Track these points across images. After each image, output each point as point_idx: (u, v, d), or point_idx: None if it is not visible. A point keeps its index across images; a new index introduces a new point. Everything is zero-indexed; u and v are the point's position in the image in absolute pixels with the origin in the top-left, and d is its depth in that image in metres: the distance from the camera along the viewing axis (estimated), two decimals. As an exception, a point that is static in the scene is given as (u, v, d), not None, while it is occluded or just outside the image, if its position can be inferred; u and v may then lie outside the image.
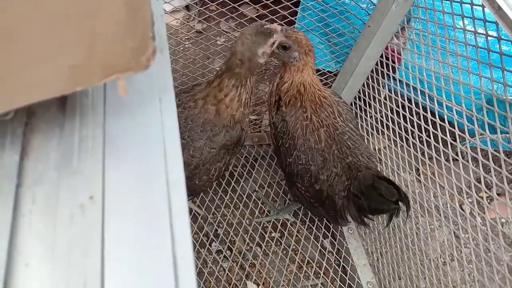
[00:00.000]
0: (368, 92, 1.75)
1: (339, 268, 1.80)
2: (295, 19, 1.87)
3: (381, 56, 1.64)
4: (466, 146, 1.28)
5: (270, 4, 1.66)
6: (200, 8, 1.83)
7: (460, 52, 1.29)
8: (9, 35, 0.38)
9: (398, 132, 1.57)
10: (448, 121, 1.34)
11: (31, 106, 0.49)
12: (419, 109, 1.47)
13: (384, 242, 1.71)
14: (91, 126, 0.49)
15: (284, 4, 1.68)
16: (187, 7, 2.62)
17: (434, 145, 1.37)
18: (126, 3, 0.41)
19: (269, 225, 1.94)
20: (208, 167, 1.37)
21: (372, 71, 1.71)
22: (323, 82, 2.06)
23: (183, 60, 1.90)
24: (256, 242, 1.85)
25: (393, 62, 1.60)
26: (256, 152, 2.11)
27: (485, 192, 1.17)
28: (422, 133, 1.43)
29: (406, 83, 1.55)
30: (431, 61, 1.40)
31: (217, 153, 1.36)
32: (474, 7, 1.20)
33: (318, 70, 2.05)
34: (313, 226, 1.88)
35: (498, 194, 2.06)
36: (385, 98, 1.67)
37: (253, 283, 1.75)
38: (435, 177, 1.40)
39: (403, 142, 1.55)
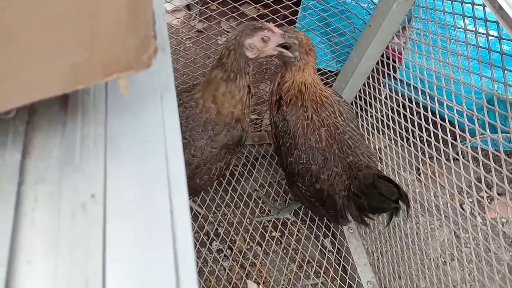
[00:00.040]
0: (368, 91, 1.75)
1: (339, 267, 1.80)
2: (296, 18, 1.87)
3: (382, 56, 1.64)
4: (467, 146, 1.29)
5: (271, 4, 1.66)
6: (201, 8, 1.83)
7: (461, 51, 1.29)
8: (10, 34, 0.38)
9: (399, 132, 1.57)
10: (449, 121, 1.34)
11: (33, 105, 0.49)
12: (419, 108, 1.47)
13: (385, 241, 1.71)
14: (93, 124, 0.50)
15: (285, 4, 1.68)
16: (188, 7, 2.62)
17: (434, 144, 1.37)
18: (128, 2, 0.41)
19: (269, 224, 1.94)
20: (209, 166, 1.37)
21: (373, 71, 1.71)
22: (324, 82, 2.06)
23: (184, 59, 1.90)
24: (257, 241, 1.85)
25: (394, 61, 1.60)
26: (257, 151, 2.11)
27: (486, 191, 1.17)
28: (422, 133, 1.43)
29: (406, 82, 1.55)
30: (432, 61, 1.40)
31: (218, 152, 1.36)
32: (475, 6, 1.20)
33: (319, 70, 2.05)
34: (314, 226, 1.88)
35: (498, 194, 2.06)
36: (385, 98, 1.67)
37: (254, 282, 1.75)
38: (435, 177, 1.40)
39: (403, 141, 1.55)
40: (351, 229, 1.87)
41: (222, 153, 1.37)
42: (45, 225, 0.42)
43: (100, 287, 0.39)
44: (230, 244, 1.84)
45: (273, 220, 1.94)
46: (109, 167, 0.47)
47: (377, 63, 1.67)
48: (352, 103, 1.88)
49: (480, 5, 1.12)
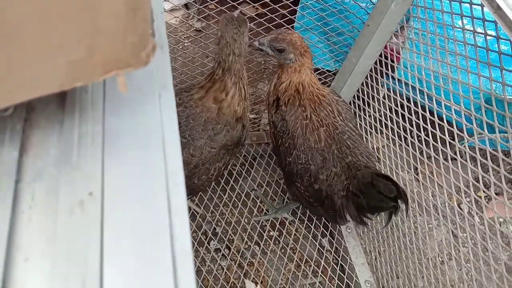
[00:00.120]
0: (367, 91, 1.76)
1: (337, 266, 1.80)
2: (295, 17, 1.87)
3: (380, 55, 1.64)
4: (465, 146, 1.29)
5: (270, 3, 1.66)
6: (200, 7, 1.83)
7: (459, 51, 1.29)
8: (9, 31, 0.38)
9: (397, 131, 1.57)
10: (447, 120, 1.34)
11: (31, 102, 0.49)
12: (418, 108, 1.48)
13: (382, 241, 1.71)
14: (91, 122, 0.49)
15: (283, 3, 1.68)
16: (186, 6, 2.61)
17: (432, 144, 1.37)
18: (125, 0, 0.41)
19: (267, 223, 1.94)
20: (208, 166, 1.37)
21: (371, 70, 1.71)
22: (322, 81, 2.06)
23: (182, 58, 1.90)
24: (255, 241, 1.85)
25: (392, 61, 1.61)
26: (255, 151, 2.11)
27: (483, 191, 1.18)
28: (420, 132, 1.43)
29: (405, 82, 1.55)
30: (430, 60, 1.40)
31: (217, 153, 1.36)
32: (473, 6, 1.20)
33: (317, 69, 2.05)
34: (312, 225, 1.89)
35: (496, 194, 2.07)
36: (384, 97, 1.67)
37: (251, 281, 1.75)
38: (433, 176, 1.40)
39: (401, 141, 1.55)
40: (349, 229, 1.88)
41: (221, 153, 1.37)
42: (43, 223, 0.41)
43: (97, 285, 0.38)
44: (228, 243, 1.84)
45: (271, 220, 1.94)
46: (106, 165, 0.47)
47: (376, 63, 1.67)
48: (350, 103, 1.88)
49: (478, 5, 1.12)
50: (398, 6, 1.41)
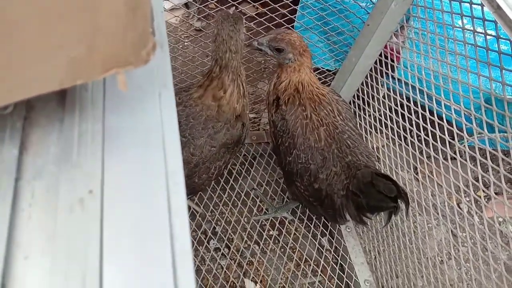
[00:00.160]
0: (367, 90, 1.76)
1: (336, 266, 1.80)
2: (295, 17, 1.87)
3: (380, 55, 1.64)
4: (464, 145, 1.29)
5: (270, 2, 1.66)
6: (200, 6, 1.83)
7: (459, 51, 1.29)
8: (9, 29, 0.38)
9: (397, 131, 1.58)
10: (447, 120, 1.34)
11: (31, 100, 0.49)
12: (417, 107, 1.48)
13: (382, 240, 1.71)
14: (91, 121, 0.49)
15: (283, 3, 1.68)
16: (187, 5, 2.61)
17: (432, 143, 1.37)
18: (126, 0, 0.41)
19: (267, 223, 1.94)
20: (208, 165, 1.37)
21: (371, 70, 1.71)
22: (322, 81, 2.06)
23: (182, 57, 1.90)
24: (254, 240, 1.85)
25: (392, 61, 1.61)
26: (255, 150, 2.12)
27: (483, 190, 1.18)
28: (420, 132, 1.43)
29: (405, 82, 1.55)
30: (430, 60, 1.40)
31: (218, 151, 1.36)
32: (473, 6, 1.20)
33: (317, 69, 2.06)
34: (311, 224, 1.89)
35: (496, 193, 2.07)
36: (384, 97, 1.67)
37: (251, 280, 1.75)
38: (433, 176, 1.40)
39: (401, 140, 1.55)
40: (348, 228, 1.88)
41: (221, 152, 1.38)
42: (42, 221, 0.41)
43: (97, 283, 0.38)
44: (227, 242, 1.84)
45: (271, 219, 1.94)
46: (106, 164, 0.47)
47: (376, 62, 1.67)
48: (350, 102, 1.88)
49: (478, 4, 1.12)
50: (398, 6, 1.41)
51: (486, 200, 2.09)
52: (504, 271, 1.10)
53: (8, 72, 0.40)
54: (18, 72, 0.40)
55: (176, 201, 0.45)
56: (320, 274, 1.77)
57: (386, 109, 1.64)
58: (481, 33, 1.18)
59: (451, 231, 1.35)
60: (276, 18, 1.74)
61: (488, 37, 1.16)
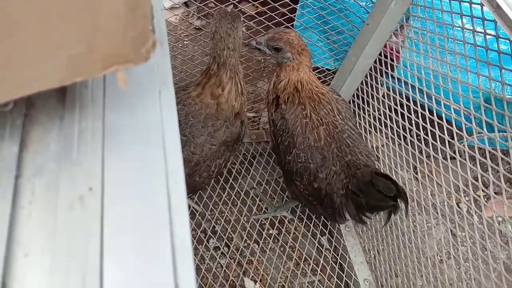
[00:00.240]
0: (366, 90, 1.76)
1: (336, 265, 1.80)
2: (294, 16, 1.87)
3: (380, 54, 1.64)
4: (464, 145, 1.29)
5: (269, 1, 1.65)
6: (199, 5, 1.83)
7: (459, 50, 1.29)
8: (9, 26, 0.38)
9: (396, 130, 1.58)
10: (446, 119, 1.35)
11: (31, 97, 0.49)
12: (417, 107, 1.48)
13: (381, 239, 1.71)
14: (91, 118, 0.49)
15: (283, 2, 1.68)
16: (186, 4, 2.61)
17: (432, 143, 1.37)
18: (126, 0, 0.41)
19: (266, 222, 1.94)
20: (209, 163, 1.38)
21: (370, 69, 1.71)
22: (322, 80, 2.06)
23: (182, 56, 1.90)
24: (254, 239, 1.85)
25: (392, 60, 1.61)
26: (254, 149, 2.12)
27: (482, 190, 1.18)
28: (420, 131, 1.43)
29: (404, 81, 1.55)
30: (430, 60, 1.40)
31: (218, 149, 1.36)
32: (473, 5, 1.20)
33: (317, 68, 2.06)
34: (311, 224, 1.89)
35: (495, 193, 2.07)
36: (383, 96, 1.67)
37: (251, 279, 1.76)
38: (432, 175, 1.40)
39: (401, 140, 1.55)
40: (348, 227, 1.88)
41: (222, 150, 1.38)
42: (43, 218, 0.41)
43: (97, 280, 0.38)
44: (227, 241, 1.84)
45: (270, 218, 1.94)
46: (106, 161, 0.47)
47: (375, 62, 1.67)
48: (350, 101, 1.88)
49: (478, 4, 1.12)
50: (398, 5, 1.41)
51: (485, 199, 2.09)
52: (503, 270, 1.10)
53: (8, 72, 0.40)
54: (18, 71, 0.40)
55: (176, 199, 0.45)
56: (319, 273, 1.77)
57: (385, 109, 1.64)
58: (481, 32, 1.18)
59: (451, 230, 1.36)
60: (276, 17, 1.74)
61: (487, 36, 1.16)
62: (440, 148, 1.33)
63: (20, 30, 0.38)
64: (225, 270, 1.74)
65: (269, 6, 1.69)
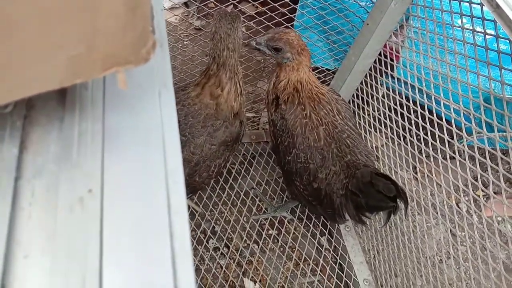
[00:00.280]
0: (366, 90, 1.76)
1: (335, 265, 1.80)
2: (294, 16, 1.87)
3: (380, 54, 1.64)
4: (463, 144, 1.29)
5: (269, 1, 1.65)
6: (199, 5, 1.82)
7: (458, 50, 1.29)
8: (9, 26, 0.37)
9: (396, 130, 1.58)
10: (446, 119, 1.35)
11: (31, 99, 0.49)
12: (417, 107, 1.48)
13: (381, 239, 1.71)
14: (91, 120, 0.49)
15: (283, 2, 1.68)
16: (186, 4, 2.61)
17: (431, 143, 1.37)
18: (125, 0, 0.41)
19: (266, 222, 1.94)
20: (209, 163, 1.38)
21: (370, 69, 1.71)
22: (322, 80, 2.06)
23: (182, 57, 1.90)
24: (253, 239, 1.85)
25: (392, 60, 1.61)
26: (254, 149, 2.12)
27: (482, 190, 1.18)
28: (419, 131, 1.43)
29: (404, 81, 1.55)
30: (429, 59, 1.40)
31: (217, 149, 1.37)
32: (473, 5, 1.20)
33: (316, 68, 2.06)
34: (310, 224, 1.89)
35: (494, 193, 2.07)
36: (383, 96, 1.67)
37: (250, 280, 1.76)
38: (432, 175, 1.40)
39: (400, 140, 1.55)
40: (347, 227, 1.88)
41: (221, 150, 1.38)
42: (42, 220, 0.41)
43: (97, 281, 0.38)
44: (227, 242, 1.84)
45: (270, 218, 1.94)
46: (106, 163, 0.47)
47: (375, 62, 1.67)
48: (349, 101, 1.88)
49: (478, 4, 1.12)
50: (397, 5, 1.41)
51: (485, 199, 2.09)
52: (503, 270, 1.10)
53: (8, 72, 0.40)
54: (18, 72, 0.40)
55: (176, 200, 0.45)
56: (319, 274, 1.77)
57: (385, 108, 1.64)
58: (481, 32, 1.18)
59: (450, 230, 1.36)
60: (276, 17, 1.74)
61: (487, 36, 1.16)
62: (440, 148, 1.33)
63: (20, 30, 0.38)
64: (224, 271, 1.74)
65: (269, 6, 1.69)
